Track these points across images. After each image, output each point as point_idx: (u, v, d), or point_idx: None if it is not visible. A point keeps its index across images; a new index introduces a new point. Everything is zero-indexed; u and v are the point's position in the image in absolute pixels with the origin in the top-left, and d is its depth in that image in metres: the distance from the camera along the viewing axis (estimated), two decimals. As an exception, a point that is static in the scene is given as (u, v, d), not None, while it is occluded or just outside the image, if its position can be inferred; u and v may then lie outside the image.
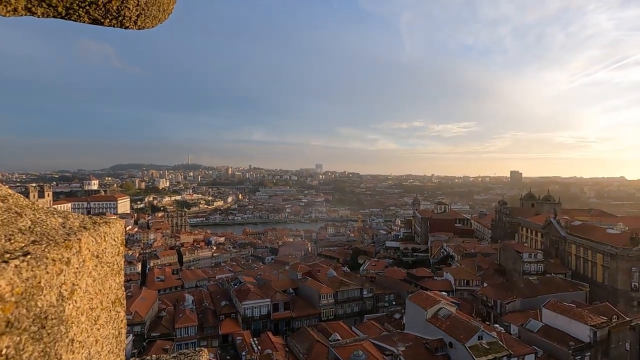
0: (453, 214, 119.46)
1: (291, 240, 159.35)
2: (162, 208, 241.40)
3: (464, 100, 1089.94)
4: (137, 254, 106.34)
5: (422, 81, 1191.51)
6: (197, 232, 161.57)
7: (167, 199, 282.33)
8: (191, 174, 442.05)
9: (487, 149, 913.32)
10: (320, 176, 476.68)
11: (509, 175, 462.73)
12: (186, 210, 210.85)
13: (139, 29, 1.99)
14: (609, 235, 68.00)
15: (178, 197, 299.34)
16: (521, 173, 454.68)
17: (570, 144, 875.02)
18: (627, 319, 44.94)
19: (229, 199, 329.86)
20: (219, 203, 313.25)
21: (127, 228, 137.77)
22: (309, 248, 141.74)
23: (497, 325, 46.41)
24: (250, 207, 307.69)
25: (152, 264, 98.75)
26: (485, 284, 61.76)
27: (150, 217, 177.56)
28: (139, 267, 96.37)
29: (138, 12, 1.87)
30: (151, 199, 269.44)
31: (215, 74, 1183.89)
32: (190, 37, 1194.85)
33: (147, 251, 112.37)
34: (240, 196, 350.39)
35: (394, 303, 62.44)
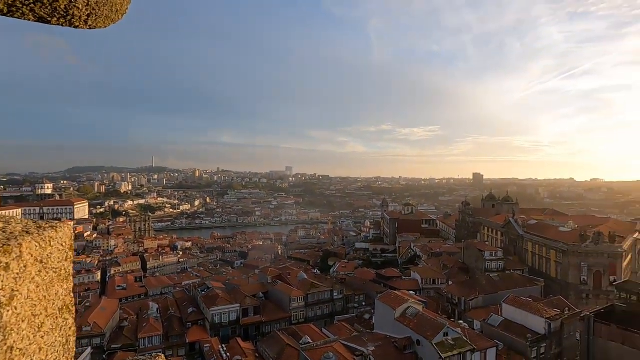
0: (420, 215, 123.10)
1: (261, 243, 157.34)
2: (124, 213, 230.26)
3: (430, 105, 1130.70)
4: (97, 262, 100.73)
5: (390, 86, 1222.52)
6: (162, 237, 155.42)
7: (129, 203, 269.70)
8: (156, 176, 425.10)
9: (451, 152, 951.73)
10: (291, 179, 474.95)
11: (471, 177, 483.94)
12: (150, 214, 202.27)
13: (90, 28, 1.91)
14: (561, 233, 72.92)
15: (141, 201, 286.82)
16: (483, 175, 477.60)
17: (527, 147, 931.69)
18: (578, 310, 48.31)
19: (196, 203, 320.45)
20: (185, 207, 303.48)
21: (86, 234, 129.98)
22: (279, 251, 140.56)
23: (461, 322, 48.22)
24: (218, 210, 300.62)
25: (113, 272, 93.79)
26: (450, 282, 64.07)
27: (111, 223, 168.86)
28: (98, 276, 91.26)
29: (88, 12, 1.79)
30: (112, 203, 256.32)
31: (181, 74, 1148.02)
32: (155, 35, 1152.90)
33: (108, 258, 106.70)
34: (208, 199, 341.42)
35: (364, 304, 63.23)
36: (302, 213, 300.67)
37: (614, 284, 59.97)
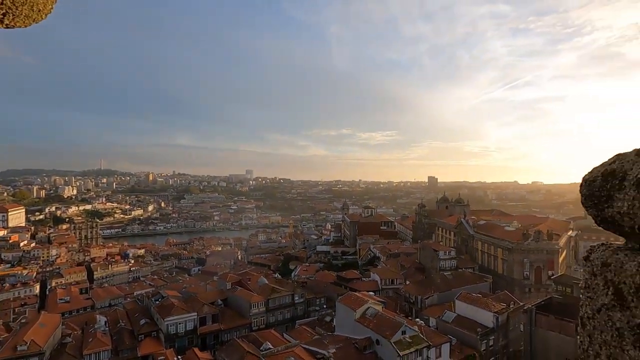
0: (379, 218, 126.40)
1: (220, 249, 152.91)
2: (67, 219, 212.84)
3: (388, 111, 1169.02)
4: (35, 273, 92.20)
5: (350, 91, 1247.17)
6: (111, 244, 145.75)
7: (74, 209, 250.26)
8: (104, 180, 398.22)
9: (408, 156, 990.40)
10: (251, 182, 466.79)
11: (427, 181, 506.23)
12: (98, 221, 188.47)
13: (8, 27, 1.83)
14: (506, 232, 78.37)
15: (88, 207, 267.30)
16: (437, 178, 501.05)
17: (476, 152, 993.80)
18: (521, 304, 52.11)
19: (150, 208, 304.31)
20: (138, 212, 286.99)
21: (22, 243, 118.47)
22: (239, 256, 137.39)
23: (418, 319, 50.07)
24: (174, 215, 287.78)
25: (54, 284, 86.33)
26: (407, 282, 66.33)
27: (52, 230, 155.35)
28: (37, 288, 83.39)
29: (4, 11, 1.75)
30: (53, 209, 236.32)
31: (133, 73, 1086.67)
32: (105, 32, 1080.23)
33: (48, 269, 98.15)
34: (162, 204, 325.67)
35: (325, 306, 63.51)
36: (263, 217, 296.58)
37: (552, 277, 65.59)
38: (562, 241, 76.83)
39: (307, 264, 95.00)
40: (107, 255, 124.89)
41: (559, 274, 67.63)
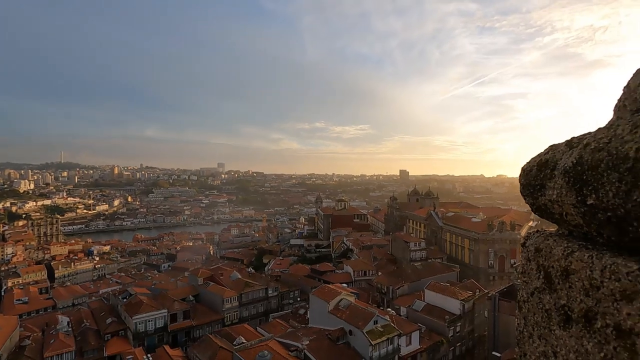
0: (352, 210, 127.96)
1: (191, 244, 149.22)
2: (24, 215, 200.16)
3: (361, 105, 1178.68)
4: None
5: (323, 84, 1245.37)
6: (73, 241, 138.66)
7: (31, 204, 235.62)
8: (65, 174, 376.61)
9: (380, 150, 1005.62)
10: (223, 176, 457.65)
11: (398, 174, 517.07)
12: (59, 217, 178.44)
13: None
14: (473, 223, 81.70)
15: (47, 202, 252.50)
16: (408, 172, 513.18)
17: (445, 146, 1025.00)
18: (486, 291, 54.72)
19: (116, 202, 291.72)
20: (102, 207, 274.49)
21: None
22: (211, 251, 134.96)
23: (389, 309, 51.43)
24: (142, 210, 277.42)
25: (10, 284, 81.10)
26: (379, 273, 67.86)
27: (6, 227, 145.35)
28: (-10, 290, 78.09)
29: None
30: (8, 204, 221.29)
31: (96, 61, 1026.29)
32: (67, 15, 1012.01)
33: (3, 269, 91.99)
34: (129, 198, 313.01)
35: (298, 299, 63.85)
36: (236, 211, 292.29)
37: (514, 265, 69.24)
38: (524, 231, 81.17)
39: (281, 258, 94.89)
40: (69, 252, 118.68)
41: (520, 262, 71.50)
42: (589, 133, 1.31)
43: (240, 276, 64.76)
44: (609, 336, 1.04)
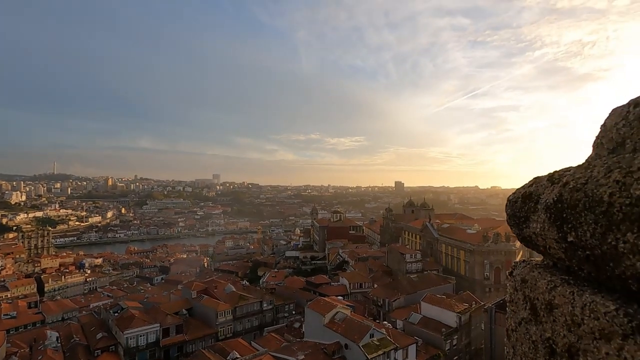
0: (347, 222, 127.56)
1: (185, 256, 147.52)
2: (15, 227, 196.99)
3: (355, 117, 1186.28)
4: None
5: (318, 96, 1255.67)
6: (65, 254, 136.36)
7: (22, 216, 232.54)
8: (58, 185, 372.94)
9: (375, 162, 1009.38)
10: (218, 187, 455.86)
11: (394, 185, 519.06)
12: (50, 228, 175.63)
13: None
14: (468, 234, 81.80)
15: (39, 214, 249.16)
16: (403, 183, 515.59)
17: (440, 158, 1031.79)
18: (482, 303, 54.45)
19: (109, 214, 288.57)
20: (95, 219, 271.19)
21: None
22: (206, 264, 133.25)
23: (385, 322, 50.91)
24: (135, 222, 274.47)
25: (-2, 298, 79.14)
26: (375, 285, 67.30)
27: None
28: (-23, 304, 76.12)
29: None
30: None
31: (90, 72, 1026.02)
32: (62, 28, 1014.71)
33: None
34: (123, 210, 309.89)
35: (293, 312, 63.00)
36: (231, 223, 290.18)
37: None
38: (518, 243, 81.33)
39: (276, 270, 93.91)
40: (60, 265, 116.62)
41: (516, 273, 71.38)
42: (569, 170, 1.35)
43: (234, 289, 63.93)
44: None
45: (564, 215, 1.21)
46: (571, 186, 1.21)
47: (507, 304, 1.69)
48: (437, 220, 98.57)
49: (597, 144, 1.54)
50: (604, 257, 1.06)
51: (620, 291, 1.09)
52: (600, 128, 1.55)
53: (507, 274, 1.82)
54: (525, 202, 1.52)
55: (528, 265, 1.61)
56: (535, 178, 1.58)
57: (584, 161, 1.44)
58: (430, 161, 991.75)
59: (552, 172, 1.47)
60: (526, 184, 1.60)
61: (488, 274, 74.65)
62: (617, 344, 0.97)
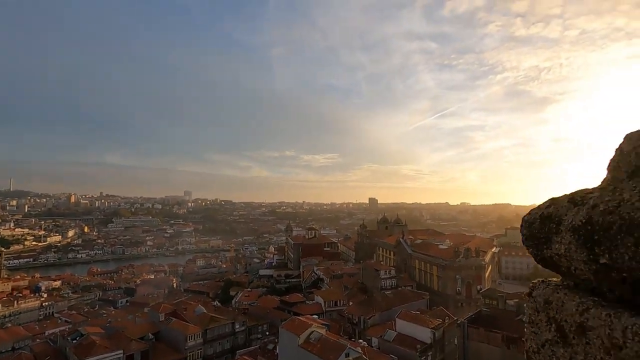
0: (322, 239, 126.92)
1: (152, 277, 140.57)
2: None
3: (329, 134, 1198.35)
4: None
5: (293, 113, 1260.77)
6: (18, 277, 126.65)
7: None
8: (14, 202, 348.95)
9: (350, 178, 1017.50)
10: (190, 204, 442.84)
11: (368, 202, 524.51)
12: (2, 249, 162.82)
13: None
14: (440, 250, 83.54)
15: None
16: (377, 200, 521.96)
17: (412, 175, 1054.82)
18: (455, 318, 55.22)
19: (70, 233, 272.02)
20: (55, 238, 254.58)
21: None
22: (175, 284, 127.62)
23: (361, 340, 50.31)
24: (99, 241, 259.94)
25: (-62, 328, 71.76)
26: (350, 303, 66.80)
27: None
28: None
29: None
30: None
31: (53, 85, 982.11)
32: (11, 35, 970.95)
33: None
34: (86, 229, 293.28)
35: (267, 333, 61.11)
36: (202, 241, 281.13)
37: (480, 292, 70.84)
38: (488, 257, 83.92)
39: (249, 289, 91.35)
40: (12, 289, 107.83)
41: (486, 288, 73.34)
42: (591, 192, 1.38)
43: (205, 310, 61.40)
44: None
45: (595, 237, 1.21)
46: (602, 209, 1.21)
47: (526, 324, 1.67)
48: (411, 236, 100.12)
49: (614, 167, 1.55)
50: None
51: None
52: (616, 152, 1.57)
53: (526, 294, 1.81)
54: (544, 223, 1.52)
55: (550, 287, 1.59)
56: (552, 199, 1.59)
57: (602, 183, 1.47)
58: (403, 178, 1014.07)
59: (570, 193, 1.48)
60: (542, 205, 1.61)
61: (460, 288, 76.10)
62: None
